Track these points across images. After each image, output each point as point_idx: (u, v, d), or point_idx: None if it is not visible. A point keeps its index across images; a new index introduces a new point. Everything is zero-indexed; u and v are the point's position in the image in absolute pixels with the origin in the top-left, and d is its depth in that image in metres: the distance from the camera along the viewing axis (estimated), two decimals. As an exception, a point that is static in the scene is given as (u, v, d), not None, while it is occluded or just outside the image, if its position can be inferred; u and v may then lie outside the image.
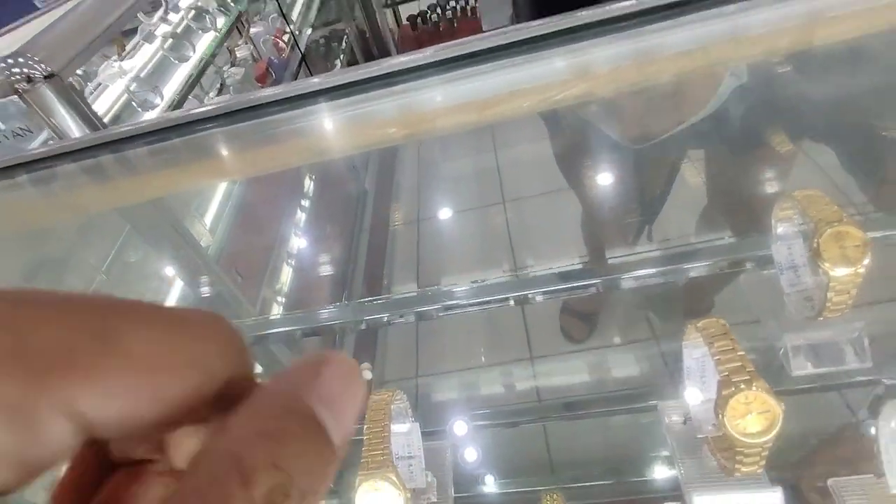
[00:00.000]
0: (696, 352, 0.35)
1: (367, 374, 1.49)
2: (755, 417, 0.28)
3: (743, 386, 0.28)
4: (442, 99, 0.57)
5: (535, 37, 0.49)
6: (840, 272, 0.34)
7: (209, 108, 0.59)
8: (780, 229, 0.41)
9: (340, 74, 0.56)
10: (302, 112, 0.56)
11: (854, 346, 0.39)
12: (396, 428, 0.37)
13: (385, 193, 2.07)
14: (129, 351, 0.11)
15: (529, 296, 0.64)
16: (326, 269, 1.61)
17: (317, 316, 0.70)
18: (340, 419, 0.13)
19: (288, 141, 0.61)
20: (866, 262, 0.35)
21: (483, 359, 1.44)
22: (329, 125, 0.62)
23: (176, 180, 0.69)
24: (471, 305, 0.64)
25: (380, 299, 0.71)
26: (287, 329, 0.70)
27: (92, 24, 0.89)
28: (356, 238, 1.81)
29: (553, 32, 0.49)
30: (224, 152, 0.63)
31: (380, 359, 1.53)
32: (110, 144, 0.60)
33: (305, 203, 1.52)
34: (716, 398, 0.29)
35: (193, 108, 0.61)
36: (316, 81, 0.56)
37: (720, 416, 0.28)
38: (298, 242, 1.50)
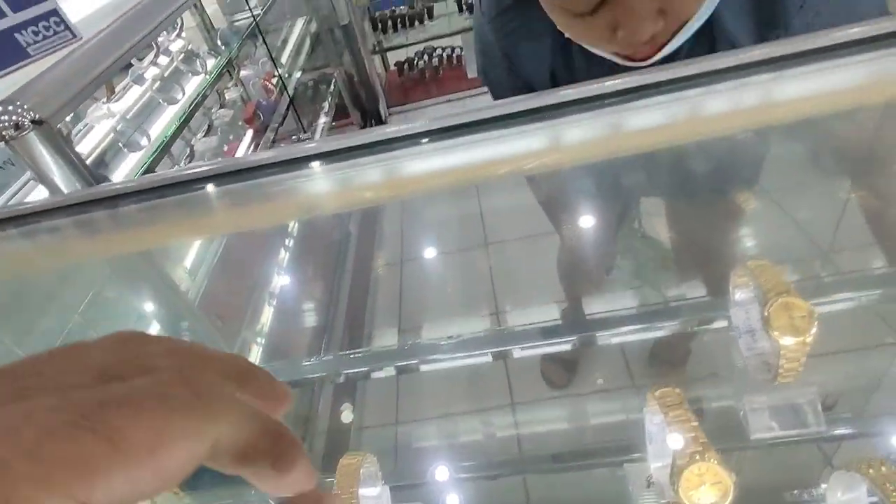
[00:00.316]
0: (655, 418, 0.36)
1: (348, 416, 1.47)
2: (708, 488, 0.29)
3: (697, 458, 0.30)
4: (429, 166, 0.59)
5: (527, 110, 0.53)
6: (788, 341, 0.36)
7: (199, 169, 0.61)
8: (737, 295, 0.44)
9: (330, 141, 0.58)
10: (291, 175, 0.58)
11: (809, 409, 0.40)
12: (366, 492, 0.37)
13: (368, 236, 2.09)
14: (129, 443, 0.14)
15: (508, 351, 0.66)
16: (308, 313, 1.60)
17: (295, 368, 0.71)
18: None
19: (274, 201, 0.63)
20: (813, 331, 0.37)
21: (464, 406, 1.44)
22: (317, 187, 0.64)
23: (161, 236, 0.71)
24: (450, 360, 0.65)
25: (359, 352, 0.72)
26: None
27: (83, 71, 0.92)
28: (338, 281, 1.81)
29: (544, 106, 0.53)
30: (211, 211, 0.64)
31: (359, 405, 1.51)
32: (99, 201, 0.62)
33: (289, 244, 1.53)
34: (671, 468, 0.30)
35: (181, 170, 0.63)
36: (306, 147, 0.59)
37: (675, 486, 0.29)
38: (280, 285, 1.49)
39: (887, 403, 0.66)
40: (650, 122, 0.50)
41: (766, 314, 0.38)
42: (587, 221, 0.90)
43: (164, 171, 0.66)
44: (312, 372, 0.70)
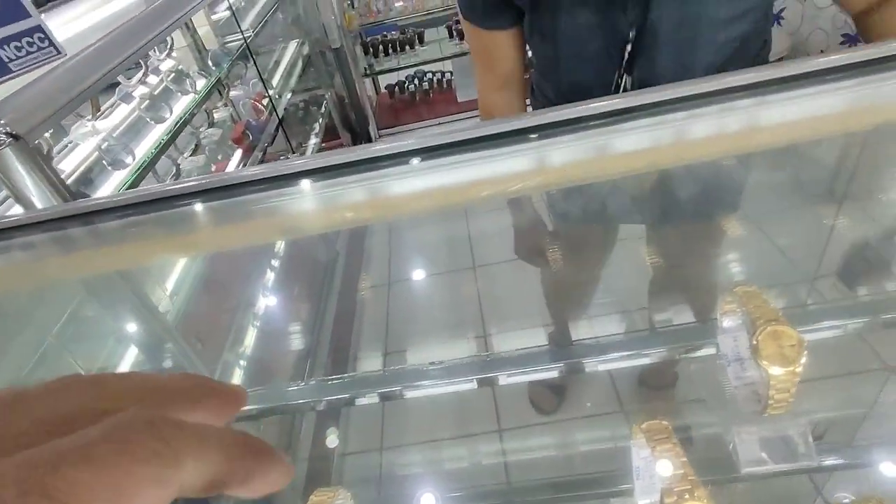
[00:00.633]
0: (642, 452, 0.34)
1: (332, 441, 1.43)
2: (697, 528, 0.28)
3: (687, 496, 0.28)
4: (416, 185, 0.59)
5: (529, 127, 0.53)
6: (777, 371, 0.35)
7: (179, 185, 0.60)
8: (725, 322, 0.43)
9: (318, 158, 0.57)
10: (277, 192, 0.57)
11: (800, 441, 0.39)
12: None
13: (356, 255, 2.07)
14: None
15: (494, 378, 0.64)
16: (292, 334, 1.57)
17: (276, 394, 0.68)
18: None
19: (261, 219, 0.62)
20: (803, 361, 0.36)
21: (450, 431, 1.41)
22: (305, 205, 0.63)
23: (143, 254, 0.69)
24: (434, 386, 0.63)
25: (342, 378, 0.70)
26: (245, 408, 0.68)
27: (64, 88, 0.90)
28: (324, 301, 1.78)
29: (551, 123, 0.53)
30: (192, 229, 0.63)
31: (343, 429, 1.47)
32: (75, 217, 0.60)
33: (273, 264, 1.50)
34: (659, 506, 0.29)
35: (160, 187, 0.61)
36: (293, 164, 0.58)
37: (663, 526, 0.28)
38: (264, 307, 1.47)
39: (877, 432, 0.65)
40: (635, 144, 0.49)
41: (754, 343, 0.36)
42: (572, 245, 0.90)
43: (143, 188, 0.64)
44: (294, 398, 0.67)
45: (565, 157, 0.52)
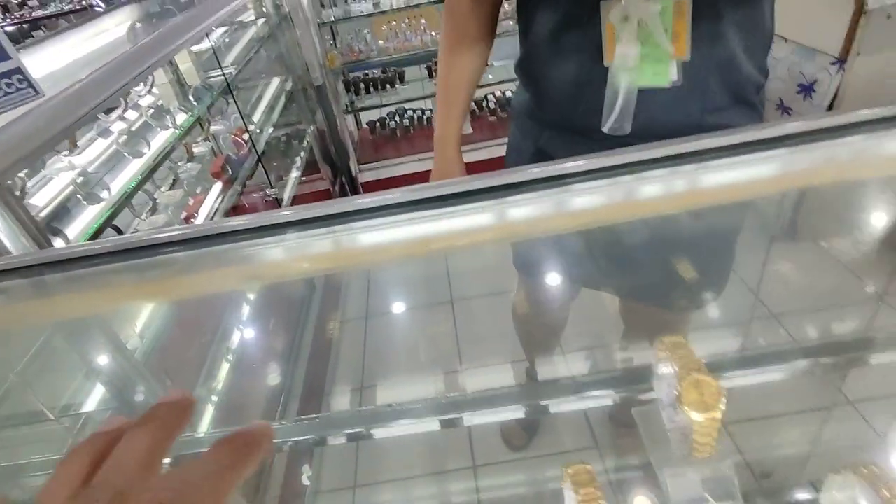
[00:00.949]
0: (570, 493, 0.37)
1: (305, 481, 1.41)
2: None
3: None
4: (392, 236, 0.61)
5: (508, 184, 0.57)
6: (698, 417, 0.38)
7: (161, 235, 0.62)
8: (660, 369, 0.46)
9: (300, 210, 0.60)
10: (253, 242, 0.60)
11: (725, 486, 0.42)
12: None
13: (333, 290, 2.08)
14: None
15: (459, 419, 0.66)
16: (266, 370, 1.56)
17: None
18: None
19: (229, 267, 0.64)
20: (722, 408, 0.38)
21: (423, 468, 1.40)
22: (283, 253, 0.66)
23: (115, 299, 0.70)
24: (400, 426, 0.65)
25: (312, 418, 0.71)
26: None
27: (43, 129, 0.92)
28: (300, 336, 1.78)
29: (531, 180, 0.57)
30: (168, 275, 0.65)
31: (316, 468, 1.46)
32: (48, 265, 0.61)
33: (246, 306, 1.51)
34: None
35: (137, 235, 0.63)
36: (272, 216, 0.60)
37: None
38: (237, 346, 1.46)
39: (817, 469, 0.68)
40: (595, 202, 0.53)
41: (678, 391, 0.39)
42: (541, 292, 0.93)
43: (119, 237, 0.65)
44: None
45: (541, 210, 0.56)
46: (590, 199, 0.59)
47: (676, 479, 0.42)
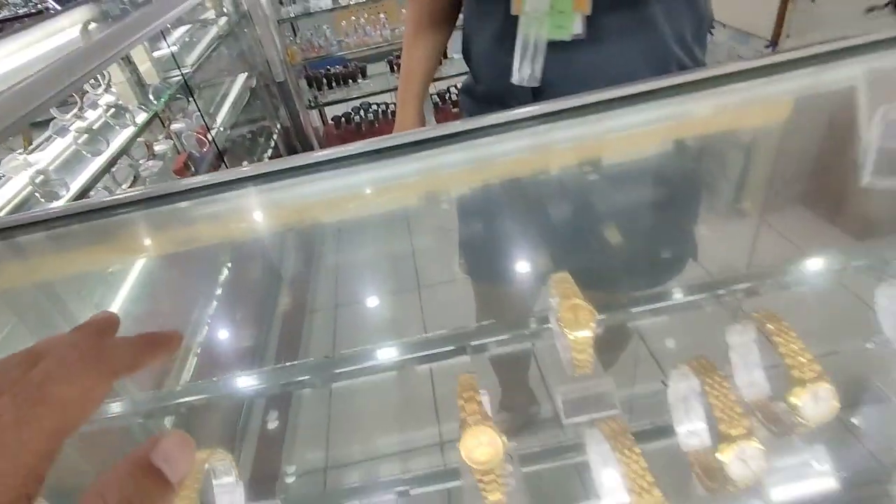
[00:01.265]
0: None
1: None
2: (483, 448, 0.36)
3: (471, 423, 0.36)
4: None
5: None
6: (574, 335, 0.44)
7: (119, 196, 0.67)
8: (552, 302, 0.52)
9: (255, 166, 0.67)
10: (213, 198, 0.65)
11: (605, 397, 0.48)
12: (218, 489, 0.41)
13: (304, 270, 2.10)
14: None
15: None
16: (238, 341, 1.58)
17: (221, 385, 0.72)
18: (175, 467, 0.20)
19: (201, 223, 0.69)
20: (593, 325, 0.45)
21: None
22: (243, 210, 0.71)
23: (72, 263, 0.74)
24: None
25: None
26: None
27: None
28: (269, 314, 1.80)
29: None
30: (134, 235, 0.69)
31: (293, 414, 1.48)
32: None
33: (223, 271, 1.52)
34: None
35: (99, 198, 0.68)
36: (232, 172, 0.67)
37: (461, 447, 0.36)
38: (208, 315, 1.47)
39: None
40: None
41: (559, 316, 0.46)
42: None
43: (80, 201, 0.69)
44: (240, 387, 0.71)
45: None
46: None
47: (567, 401, 0.48)
